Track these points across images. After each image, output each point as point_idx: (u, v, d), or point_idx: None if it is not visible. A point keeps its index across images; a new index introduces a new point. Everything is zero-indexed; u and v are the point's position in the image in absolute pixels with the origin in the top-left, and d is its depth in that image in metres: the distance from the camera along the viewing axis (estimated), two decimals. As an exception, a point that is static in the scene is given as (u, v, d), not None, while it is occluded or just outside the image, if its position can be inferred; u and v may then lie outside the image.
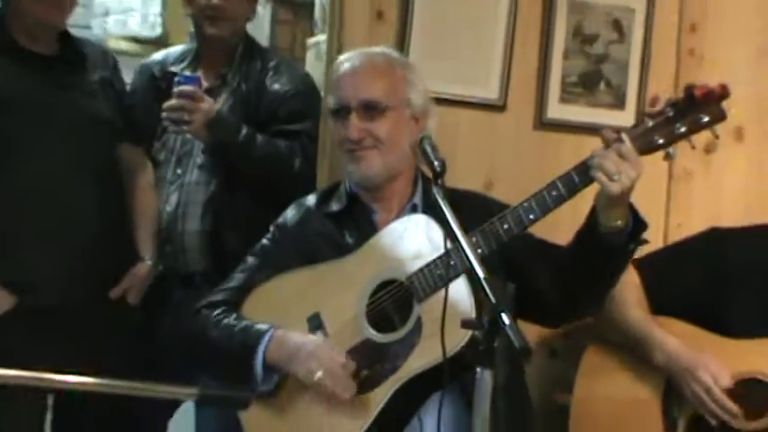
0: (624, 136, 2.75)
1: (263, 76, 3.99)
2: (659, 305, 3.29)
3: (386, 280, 2.90)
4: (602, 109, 3.79)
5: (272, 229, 3.19)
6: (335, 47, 3.65)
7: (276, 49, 5.47)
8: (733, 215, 3.63)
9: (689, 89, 2.75)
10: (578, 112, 3.77)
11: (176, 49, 4.25)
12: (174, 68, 4.02)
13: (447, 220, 2.61)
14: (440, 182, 2.72)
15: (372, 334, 2.88)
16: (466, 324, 2.63)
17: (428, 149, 2.81)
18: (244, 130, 3.80)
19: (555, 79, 3.75)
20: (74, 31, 3.84)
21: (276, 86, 3.97)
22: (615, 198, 2.74)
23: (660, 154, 2.83)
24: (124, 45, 6.16)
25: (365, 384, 2.85)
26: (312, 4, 4.85)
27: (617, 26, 3.78)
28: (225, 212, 3.88)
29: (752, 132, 3.86)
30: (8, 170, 3.56)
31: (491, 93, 3.69)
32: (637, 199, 3.72)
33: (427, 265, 2.81)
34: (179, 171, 3.95)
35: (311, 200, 3.21)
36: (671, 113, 2.77)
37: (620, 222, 2.79)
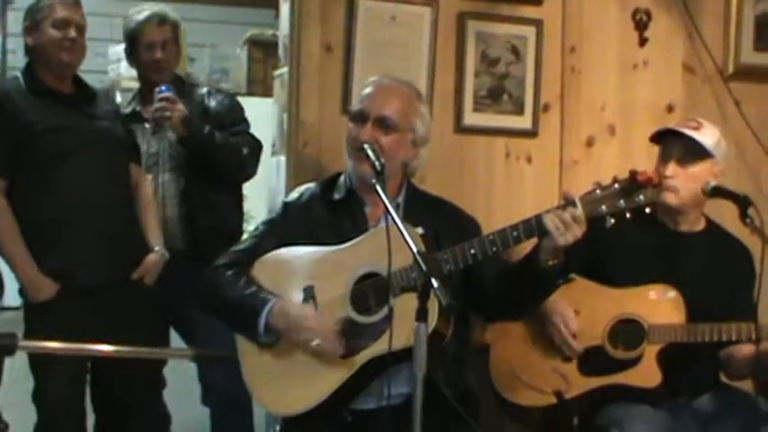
0: (578, 201, 2.71)
1: (200, 101, 4.06)
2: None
3: (371, 272, 2.82)
4: (507, 115, 3.78)
5: (281, 206, 3.12)
6: (295, 76, 3.63)
7: (252, 82, 5.53)
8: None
9: (633, 173, 2.71)
10: (488, 119, 3.76)
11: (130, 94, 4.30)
12: (126, 110, 4.08)
13: (387, 207, 2.60)
14: (381, 177, 2.74)
15: (352, 313, 2.82)
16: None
17: (371, 154, 2.80)
18: (207, 128, 3.90)
19: (468, 93, 3.74)
20: (93, 76, 3.94)
21: (213, 104, 4.05)
22: (558, 248, 2.74)
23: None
24: (133, 84, 6.06)
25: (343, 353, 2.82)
26: (278, 45, 4.80)
27: (514, 50, 3.78)
28: (196, 201, 3.97)
29: (621, 128, 3.88)
30: (51, 182, 3.52)
31: (419, 106, 3.65)
32: (537, 182, 3.77)
33: (406, 268, 2.73)
34: (150, 177, 3.98)
35: (315, 187, 3.11)
36: (616, 189, 2.72)
37: (555, 262, 2.79)
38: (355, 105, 3.05)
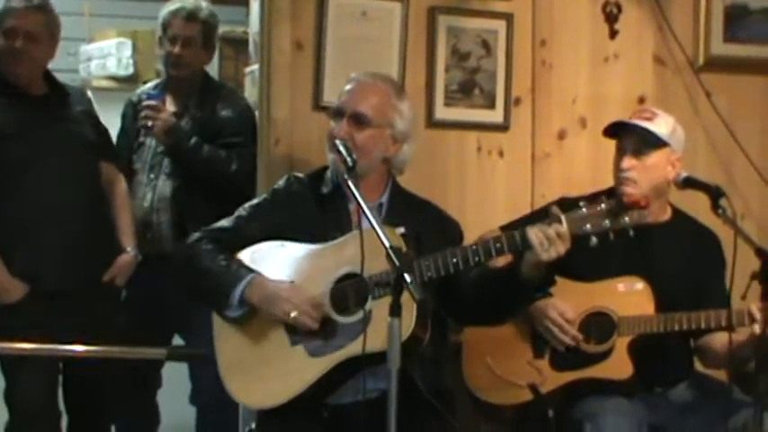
0: (563, 218, 2.73)
1: (215, 106, 3.99)
2: None
3: (352, 272, 2.80)
4: (478, 109, 3.77)
5: (269, 191, 3.09)
6: (265, 73, 3.60)
7: (223, 80, 5.50)
8: (582, 183, 3.61)
9: (619, 195, 2.76)
10: (459, 113, 3.75)
11: (152, 84, 4.26)
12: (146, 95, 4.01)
13: (359, 203, 2.60)
14: (352, 173, 2.72)
15: (331, 311, 2.81)
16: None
17: (342, 149, 2.79)
18: (193, 140, 3.86)
19: (439, 88, 3.73)
20: (64, 75, 3.85)
21: (224, 113, 3.98)
22: (541, 262, 2.75)
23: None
24: (105, 83, 6.10)
25: (319, 350, 2.80)
26: (249, 42, 4.78)
27: (485, 45, 3.77)
28: (186, 206, 3.91)
29: (592, 121, 3.86)
30: (19, 185, 3.51)
31: (390, 101, 3.65)
32: (509, 176, 3.77)
33: (387, 271, 2.69)
34: (152, 176, 3.97)
35: (303, 177, 3.09)
36: (603, 209, 2.74)
37: (535, 275, 2.81)
38: (335, 102, 3.03)
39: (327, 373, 2.78)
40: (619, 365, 3.12)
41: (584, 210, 2.74)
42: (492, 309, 2.97)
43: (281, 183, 3.09)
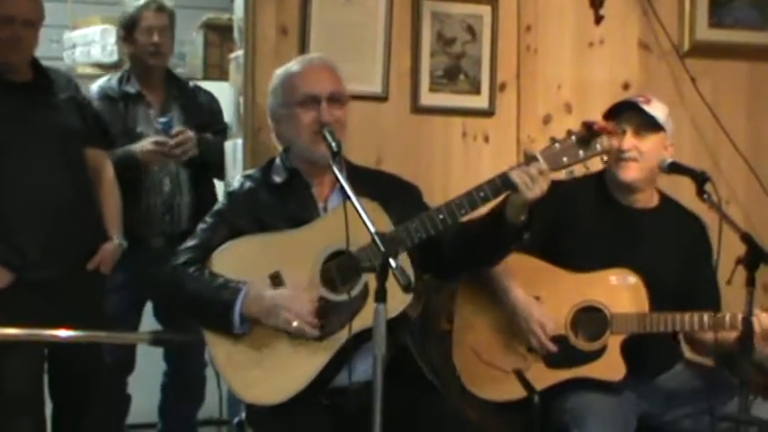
0: (539, 156, 2.75)
1: (192, 92, 4.31)
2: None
3: (337, 250, 2.79)
4: (463, 95, 3.77)
5: (224, 196, 3.06)
6: (250, 59, 3.59)
7: (209, 66, 5.63)
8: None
9: (589, 124, 2.76)
10: (444, 99, 3.76)
11: (114, 77, 4.32)
12: (127, 89, 4.19)
13: (344, 186, 2.59)
14: (337, 158, 2.73)
15: (325, 293, 2.79)
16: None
17: (328, 135, 2.79)
18: (207, 136, 4.17)
19: (425, 74, 3.72)
20: (48, 63, 3.78)
21: (202, 99, 4.32)
22: (527, 201, 2.75)
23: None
24: (89, 70, 6.00)
25: (321, 334, 2.78)
26: (234, 28, 4.78)
27: (470, 30, 3.76)
28: (204, 188, 4.21)
29: (577, 106, 3.88)
30: (2, 172, 3.48)
31: (375, 87, 3.67)
32: (494, 161, 3.76)
33: (370, 244, 2.66)
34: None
35: (254, 172, 3.07)
36: (573, 140, 2.76)
37: (522, 218, 2.80)
38: (298, 93, 2.93)
39: (336, 352, 2.76)
40: (612, 366, 3.11)
41: (556, 145, 2.77)
42: (478, 257, 2.95)
43: (234, 185, 3.07)
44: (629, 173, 3.19)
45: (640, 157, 3.18)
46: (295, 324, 2.74)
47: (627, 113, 3.21)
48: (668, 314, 3.09)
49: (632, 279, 3.14)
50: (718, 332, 3.05)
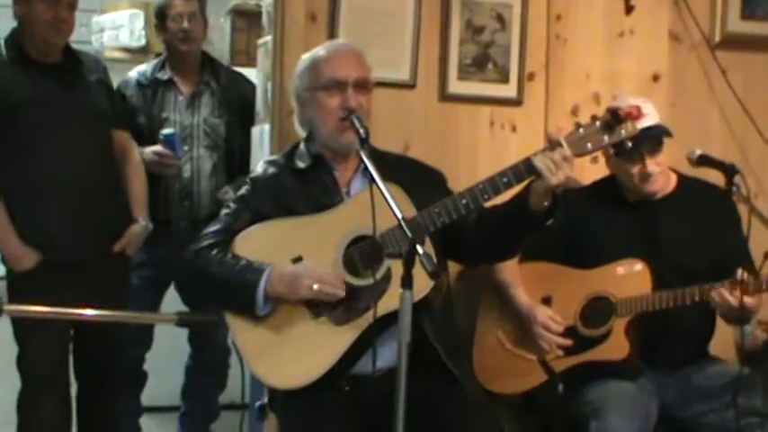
0: (563, 141, 2.72)
1: (230, 79, 4.36)
2: (531, 247, 3.19)
3: (360, 235, 2.79)
4: (491, 84, 3.75)
5: (248, 181, 3.05)
6: (279, 45, 3.59)
7: (236, 52, 5.60)
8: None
9: (614, 109, 2.73)
10: (472, 87, 3.73)
11: (150, 64, 4.42)
12: (159, 75, 4.29)
13: (371, 173, 2.59)
14: (365, 145, 2.73)
15: (349, 277, 2.78)
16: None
17: (356, 122, 2.79)
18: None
19: (453, 62, 3.70)
20: (77, 46, 3.82)
21: (241, 88, 4.31)
22: (551, 187, 2.73)
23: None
24: (117, 54, 6.09)
25: (343, 318, 2.78)
26: (262, 14, 4.80)
27: (500, 19, 3.74)
28: (227, 175, 4.23)
29: (606, 97, 3.82)
30: (32, 154, 3.52)
31: (404, 75, 3.64)
32: (521, 151, 3.70)
33: (393, 229, 2.71)
34: (186, 149, 4.19)
35: (278, 158, 3.08)
36: (598, 126, 2.74)
37: (546, 204, 2.78)
38: (323, 78, 2.94)
39: (359, 337, 2.76)
40: (616, 346, 3.15)
41: (581, 130, 2.75)
42: (501, 244, 2.94)
43: (258, 170, 3.07)
44: (656, 186, 3.23)
45: (662, 169, 3.21)
46: (316, 287, 2.74)
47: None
48: (670, 291, 3.09)
49: (638, 266, 3.17)
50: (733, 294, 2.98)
